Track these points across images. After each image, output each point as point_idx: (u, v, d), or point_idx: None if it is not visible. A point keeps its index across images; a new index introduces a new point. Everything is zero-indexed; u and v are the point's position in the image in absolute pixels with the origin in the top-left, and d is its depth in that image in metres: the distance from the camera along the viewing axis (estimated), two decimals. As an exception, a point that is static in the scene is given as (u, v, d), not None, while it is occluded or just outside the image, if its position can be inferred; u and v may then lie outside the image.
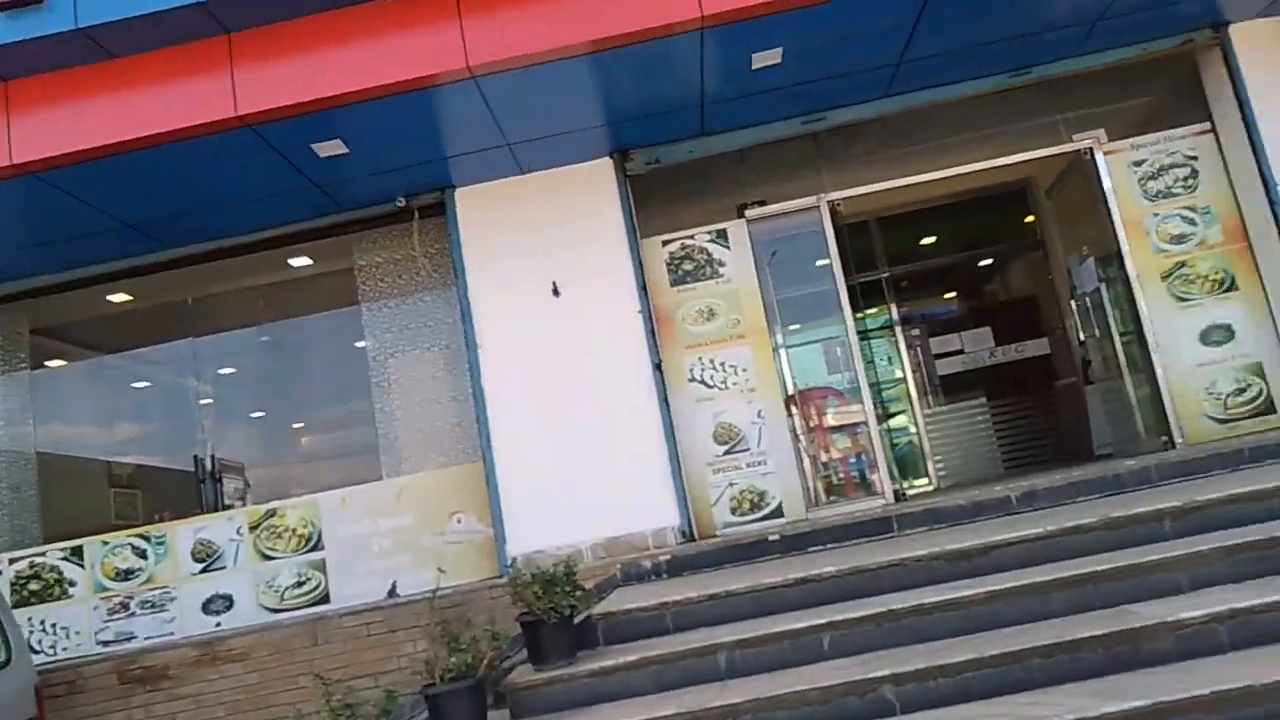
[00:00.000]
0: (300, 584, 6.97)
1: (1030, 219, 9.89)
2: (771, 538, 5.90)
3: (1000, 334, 10.37)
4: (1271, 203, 6.62)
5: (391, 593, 6.79)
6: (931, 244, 10.78)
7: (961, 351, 10.27)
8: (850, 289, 7.26)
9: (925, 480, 9.91)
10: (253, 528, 7.05)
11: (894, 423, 10.98)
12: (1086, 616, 3.80)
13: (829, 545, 5.81)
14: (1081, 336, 7.73)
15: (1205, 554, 3.88)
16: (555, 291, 6.90)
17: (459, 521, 7.00)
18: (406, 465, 7.11)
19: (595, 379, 6.78)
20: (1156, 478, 5.74)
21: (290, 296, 8.21)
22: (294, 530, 7.07)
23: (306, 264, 7.77)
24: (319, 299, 8.11)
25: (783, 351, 7.32)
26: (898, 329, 10.24)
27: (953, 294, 11.53)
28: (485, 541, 6.86)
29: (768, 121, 6.95)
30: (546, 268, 6.94)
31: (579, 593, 4.32)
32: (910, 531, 5.75)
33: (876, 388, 7.14)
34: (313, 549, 7.00)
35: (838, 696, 3.50)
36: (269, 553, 7.04)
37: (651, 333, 6.82)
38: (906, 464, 11.52)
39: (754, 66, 6.01)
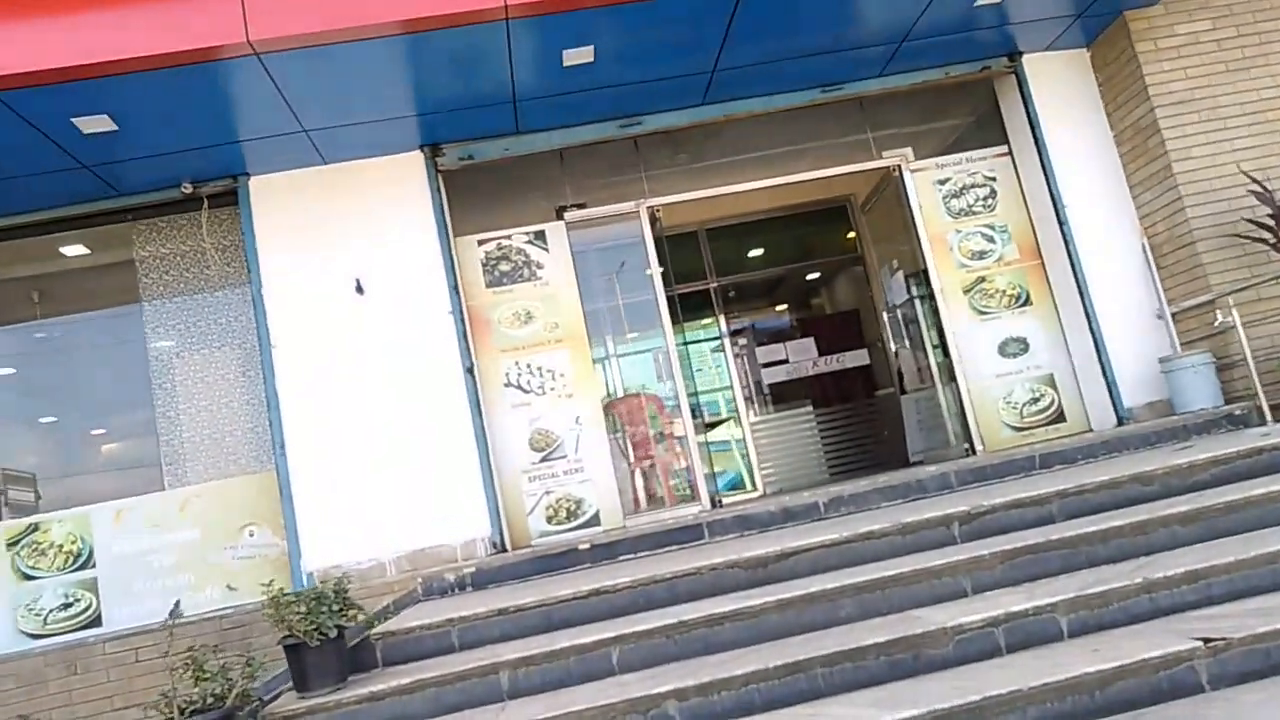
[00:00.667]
0: (67, 606, 6.24)
1: (851, 235, 10.20)
2: (582, 547, 5.69)
3: (824, 345, 10.62)
4: (1060, 222, 7.00)
5: (174, 613, 6.12)
6: (759, 256, 10.94)
7: (786, 361, 10.45)
8: (673, 299, 7.18)
9: (752, 488, 10.06)
10: (10, 544, 6.26)
11: (721, 432, 11.10)
12: (874, 623, 3.77)
13: (640, 553, 5.66)
14: (893, 348, 7.96)
15: (986, 559, 3.94)
16: (359, 289, 6.49)
17: (251, 534, 6.45)
18: (194, 474, 6.49)
19: (402, 382, 6.40)
20: (956, 483, 5.90)
21: (67, 289, 7.40)
22: (60, 546, 6.34)
23: (83, 253, 7.01)
24: (100, 292, 7.34)
25: (604, 358, 7.16)
26: (725, 339, 10.34)
27: (779, 306, 11.77)
28: (281, 556, 6.35)
29: (584, 123, 6.79)
30: (350, 264, 6.52)
31: (350, 611, 3.96)
32: (721, 538, 5.69)
33: (696, 397, 7.06)
34: (82, 567, 6.29)
35: (619, 715, 3.31)
36: (30, 572, 6.27)
37: (464, 335, 6.51)
38: (734, 472, 11.67)
39: (566, 63, 5.83)
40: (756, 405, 10.51)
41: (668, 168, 7.70)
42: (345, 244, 6.54)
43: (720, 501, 6.84)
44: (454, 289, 6.55)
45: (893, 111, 7.68)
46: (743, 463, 10.84)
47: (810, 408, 10.42)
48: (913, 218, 7.30)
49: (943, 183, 7.39)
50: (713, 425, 10.30)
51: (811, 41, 6.27)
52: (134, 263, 6.63)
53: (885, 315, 7.99)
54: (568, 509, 6.68)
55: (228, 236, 6.61)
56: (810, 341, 10.53)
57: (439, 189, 6.67)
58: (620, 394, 7.12)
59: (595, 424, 6.81)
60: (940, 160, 7.42)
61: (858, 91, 7.10)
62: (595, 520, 6.68)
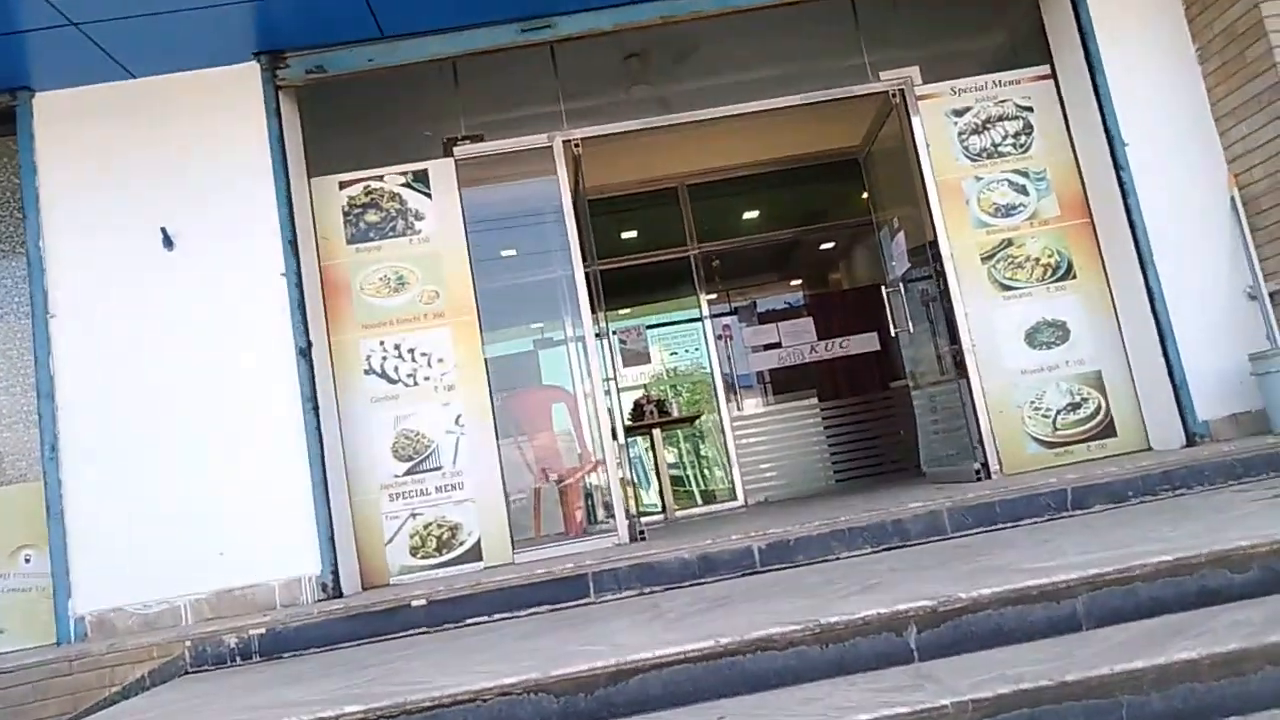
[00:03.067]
0: None
1: (865, 196, 8.38)
2: (415, 604, 4.09)
3: (828, 327, 8.84)
4: (1116, 166, 5.15)
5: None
6: (750, 220, 9.19)
7: (779, 345, 8.69)
8: (595, 274, 5.53)
9: (730, 498, 8.37)
10: None
11: (694, 426, 9.41)
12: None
13: (496, 615, 4.06)
14: (894, 330, 6.17)
15: (949, 713, 2.23)
16: (166, 242, 4.92)
17: (28, 560, 4.96)
18: (-42, 480, 5.03)
19: (215, 366, 4.84)
20: (949, 527, 4.17)
21: None
22: None
23: None
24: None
25: (498, 341, 5.52)
26: (706, 320, 8.63)
27: (775, 281, 10.00)
28: (63, 591, 4.85)
29: (473, 25, 5.10)
30: (159, 211, 4.95)
31: None
32: (611, 596, 4.06)
33: (613, 389, 5.37)
34: None
35: None
36: None
37: (299, 304, 4.90)
38: (709, 476, 9.99)
39: (412, -77, 4.15)
40: (743, 397, 8.80)
41: (595, 95, 5.99)
42: (153, 184, 4.97)
43: (642, 533, 5.15)
44: (290, 243, 4.94)
45: (897, 27, 5.86)
46: (721, 466, 9.19)
47: (815, 400, 8.70)
48: (916, 159, 5.48)
49: (959, 114, 5.56)
50: (686, 420, 8.63)
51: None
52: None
53: (885, 291, 6.19)
54: (439, 538, 5.07)
55: (2, 174, 5.08)
56: (808, 322, 8.75)
57: (276, 111, 5.04)
58: (515, 386, 5.46)
59: (482, 425, 5.17)
60: (956, 84, 5.58)
61: (844, -12, 5.31)
62: (475, 553, 5.06)
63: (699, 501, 9.79)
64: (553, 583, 4.11)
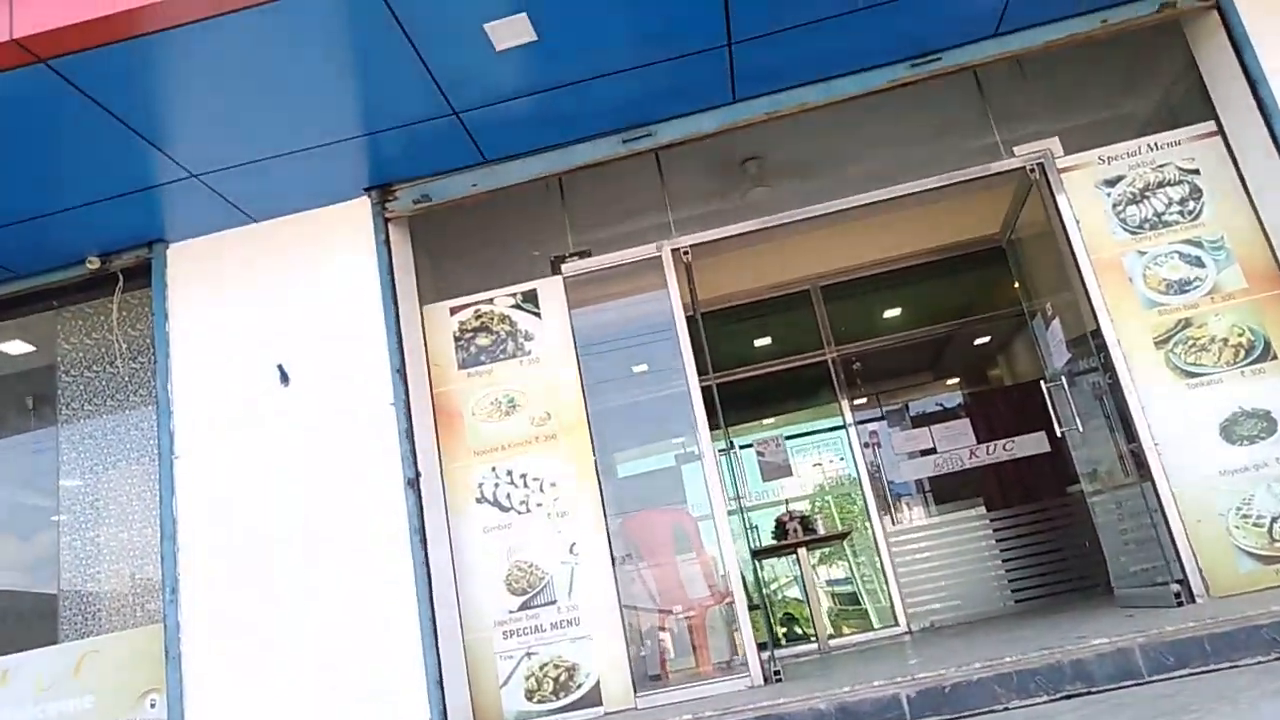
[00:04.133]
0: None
1: (1017, 285, 7.73)
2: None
3: (989, 429, 8.08)
4: (1314, 225, 4.40)
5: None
6: (892, 319, 8.65)
7: (934, 451, 7.97)
8: (712, 387, 5.15)
9: (889, 623, 7.57)
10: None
11: (845, 544, 8.71)
12: None
13: (607, 776, 3.59)
14: (1059, 429, 5.44)
15: None
16: (283, 378, 4.96)
17: (153, 705, 4.92)
18: (92, 624, 5.10)
19: (327, 500, 4.76)
20: (1145, 669, 3.42)
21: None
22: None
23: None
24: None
25: (621, 462, 5.21)
26: (850, 427, 8.06)
27: (926, 381, 9.31)
28: (183, 736, 4.75)
29: (571, 141, 5.01)
30: (276, 348, 5.02)
31: None
32: (731, 758, 3.52)
33: (740, 509, 4.92)
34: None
35: None
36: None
37: (409, 434, 4.78)
38: (867, 598, 9.17)
39: (499, 46, 4.11)
40: (898, 508, 8.09)
41: (709, 201, 5.78)
42: (272, 321, 5.07)
43: (779, 672, 4.57)
44: (398, 372, 4.87)
45: (1030, 99, 5.38)
46: (876, 588, 8.41)
47: (983, 509, 7.90)
48: (1066, 237, 4.90)
49: (1111, 184, 4.96)
50: (835, 537, 7.99)
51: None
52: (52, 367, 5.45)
53: (1046, 386, 5.49)
54: (555, 679, 4.68)
55: (138, 325, 5.31)
56: (965, 424, 8.01)
57: (386, 242, 5.07)
58: (633, 508, 5.09)
59: (598, 553, 4.82)
60: (1104, 152, 5.00)
61: (964, 62, 4.90)
62: (594, 697, 4.63)
63: (858, 627, 8.99)
64: (669, 737, 3.63)
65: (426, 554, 4.60)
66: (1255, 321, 4.65)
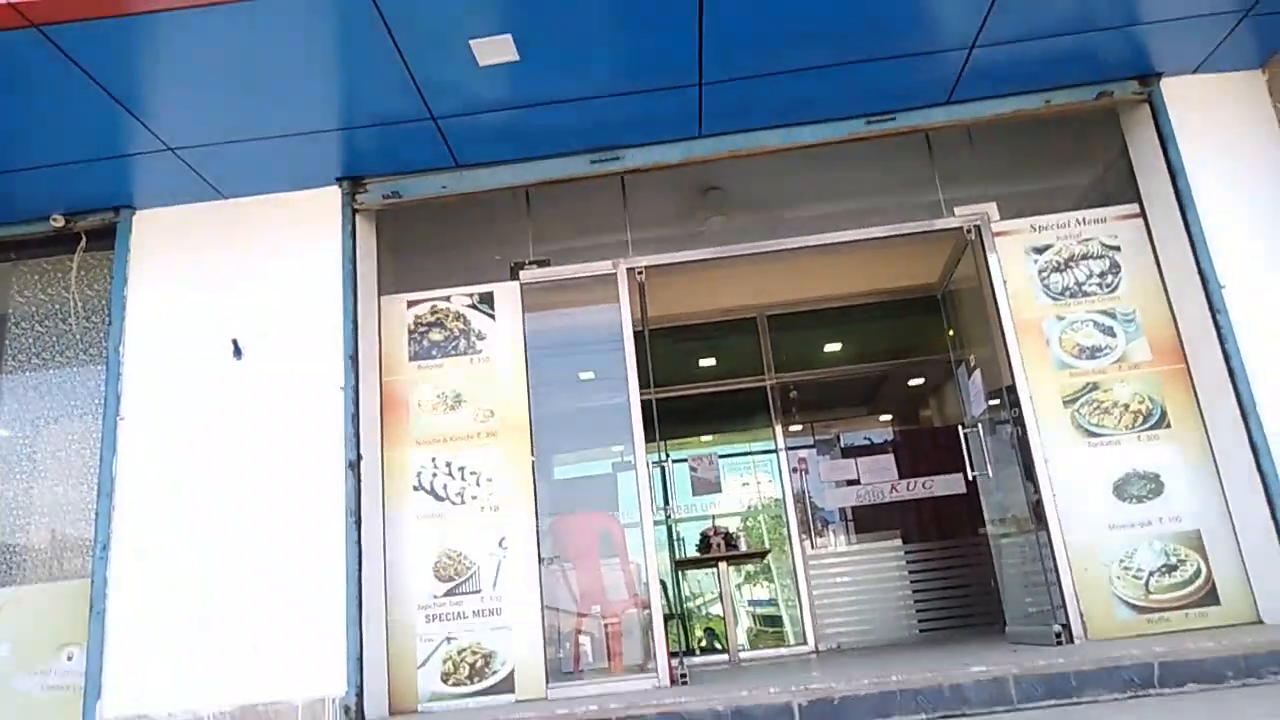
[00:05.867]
0: None
1: (952, 332, 8.13)
2: (429, 739, 3.88)
3: (912, 466, 8.46)
4: (1213, 310, 4.80)
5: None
6: (832, 353, 9.01)
7: (857, 482, 8.31)
8: (651, 402, 5.40)
9: (798, 642, 7.89)
10: None
11: (764, 563, 9.01)
12: None
13: (512, 759, 3.80)
14: (970, 474, 5.80)
15: None
16: (236, 352, 5.08)
17: (70, 659, 4.98)
18: (15, 574, 5.15)
19: (269, 475, 4.89)
20: (1016, 697, 3.76)
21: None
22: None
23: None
24: None
25: (549, 461, 5.42)
26: (782, 451, 8.38)
27: (857, 415, 9.68)
28: (98, 692, 4.83)
29: (542, 156, 5.23)
30: (233, 323, 5.14)
31: None
32: (632, 750, 3.76)
33: (666, 520, 5.17)
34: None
35: None
36: None
37: (354, 418, 4.94)
38: (781, 617, 9.48)
39: (482, 61, 4.32)
40: (819, 534, 8.40)
41: (668, 225, 6.04)
42: (231, 296, 5.18)
43: (684, 676, 4.83)
44: (350, 358, 5.02)
45: (974, 163, 5.75)
46: (794, 608, 8.72)
47: (899, 542, 8.24)
48: (994, 295, 5.26)
49: (1040, 251, 5.34)
50: (755, 555, 8.28)
51: (831, 45, 4.52)
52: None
53: (963, 431, 5.85)
54: (472, 665, 4.87)
55: (95, 285, 5.39)
56: (889, 459, 8.37)
57: (352, 233, 5.24)
58: (563, 509, 5.31)
59: (525, 549, 5.03)
60: (1037, 220, 5.38)
61: (916, 124, 5.24)
62: (508, 684, 4.83)
63: (773, 643, 9.30)
64: (578, 726, 3.86)
65: (360, 535, 4.76)
66: (1155, 391, 5.04)
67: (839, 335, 8.85)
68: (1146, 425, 5.00)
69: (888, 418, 9.90)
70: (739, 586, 9.95)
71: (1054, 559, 4.85)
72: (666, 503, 5.19)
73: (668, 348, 8.41)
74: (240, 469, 4.91)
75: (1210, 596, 4.73)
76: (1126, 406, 5.03)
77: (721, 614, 8.39)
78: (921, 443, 9.05)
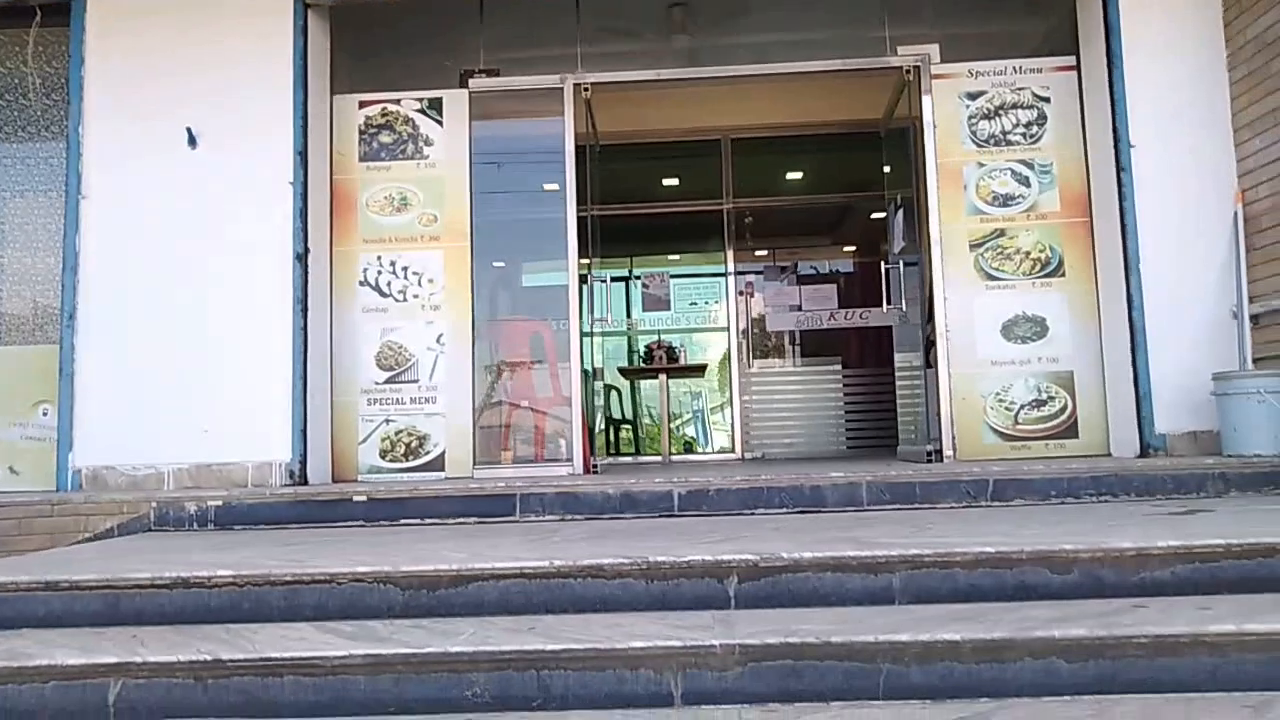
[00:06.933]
0: None
1: (889, 169, 8.30)
2: (357, 499, 4.45)
3: (852, 297, 8.88)
4: (1119, 167, 5.05)
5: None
6: (791, 181, 9.19)
7: (799, 309, 8.74)
8: (588, 218, 5.68)
9: (729, 449, 8.58)
10: None
11: (702, 380, 9.59)
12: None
13: (429, 520, 4.38)
14: (886, 307, 6.21)
15: (717, 653, 2.43)
16: (191, 140, 5.30)
17: (45, 414, 5.50)
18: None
19: (222, 259, 5.24)
20: (865, 499, 4.31)
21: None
22: None
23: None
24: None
25: (491, 266, 5.76)
26: (731, 275, 8.72)
27: (808, 245, 9.97)
28: (72, 444, 5.39)
29: (496, -41, 5.27)
30: (188, 110, 5.32)
31: None
32: (530, 518, 4.34)
33: (603, 336, 5.60)
34: None
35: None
36: None
37: (303, 213, 5.23)
38: (710, 426, 10.17)
39: None
40: (757, 355, 8.91)
41: (629, 41, 6.11)
42: (186, 85, 5.33)
43: (596, 467, 5.42)
44: (300, 154, 5.26)
45: (926, 3, 5.77)
46: (724, 420, 9.37)
47: (839, 367, 8.77)
48: (920, 138, 5.47)
49: (974, 97, 5.50)
50: (694, 369, 8.81)
51: None
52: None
53: (885, 267, 6.21)
54: (407, 445, 5.44)
55: (53, 63, 5.51)
56: (832, 289, 8.78)
57: (304, 29, 5.33)
58: (498, 314, 5.72)
59: (461, 346, 5.48)
60: (975, 66, 5.51)
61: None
62: (439, 464, 5.41)
63: (705, 449, 10.03)
64: (483, 498, 4.42)
65: (306, 322, 5.18)
66: (1056, 241, 5.37)
67: (796, 164, 9.00)
68: (1043, 273, 5.36)
69: (836, 249, 10.20)
70: (686, 395, 10.56)
71: (938, 389, 5.33)
72: (604, 314, 5.57)
73: (631, 165, 8.61)
74: (197, 252, 5.24)
75: (1071, 430, 5.27)
76: (1027, 254, 5.38)
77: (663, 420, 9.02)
78: (865, 276, 9.41)
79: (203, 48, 5.35)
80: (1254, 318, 4.77)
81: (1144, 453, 4.89)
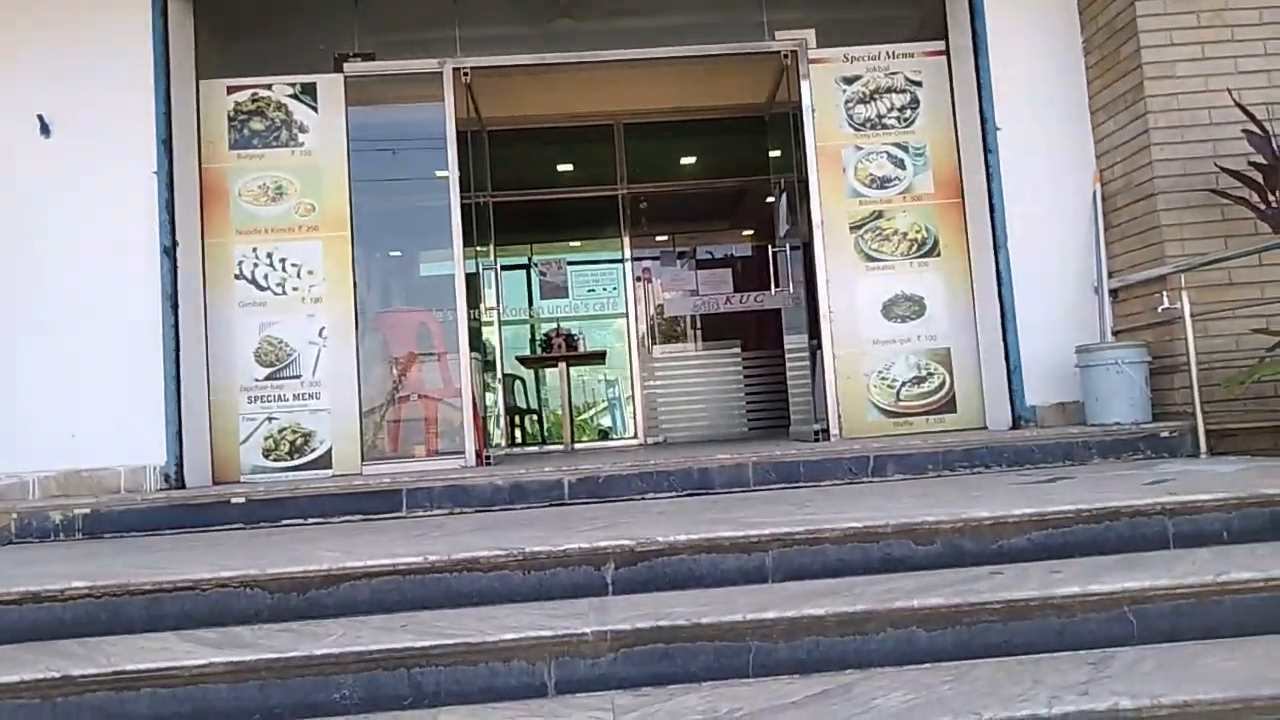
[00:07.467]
0: None
1: (774, 154, 8.43)
2: (235, 501, 4.30)
3: (749, 280, 8.99)
4: (986, 149, 5.24)
5: None
6: (685, 166, 9.24)
7: (695, 293, 8.82)
8: (473, 205, 5.60)
9: (629, 434, 8.62)
10: None
11: (603, 367, 9.60)
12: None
13: (311, 519, 4.27)
14: (774, 290, 6.32)
15: (588, 640, 2.44)
16: (44, 129, 5.00)
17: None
18: None
19: (82, 256, 4.97)
20: (752, 480, 4.38)
21: None
22: None
23: None
24: None
25: (374, 256, 5.63)
26: (628, 261, 8.73)
27: (703, 230, 10.07)
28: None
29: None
30: (41, 97, 5.02)
31: None
32: (418, 514, 4.28)
33: (498, 325, 5.54)
34: None
35: None
36: None
37: (169, 205, 5.01)
38: (625, 414, 10.21)
39: None
40: (656, 340, 8.95)
41: (508, 24, 6.02)
42: (38, 71, 5.04)
43: (489, 458, 5.37)
44: (164, 143, 5.02)
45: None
46: (624, 404, 9.41)
47: (739, 349, 8.86)
48: (800, 123, 5.56)
49: (850, 81, 5.62)
50: (592, 356, 8.81)
51: None
52: None
53: (773, 250, 6.31)
54: (292, 443, 5.28)
55: (-113, 43, 5.12)
56: (727, 273, 8.89)
57: (164, 10, 5.08)
58: (383, 306, 5.60)
59: (345, 340, 5.35)
60: (851, 51, 5.63)
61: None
62: (325, 461, 5.28)
63: (607, 437, 10.05)
64: (368, 495, 4.33)
65: (177, 319, 4.96)
66: (930, 222, 5.55)
67: (689, 149, 9.06)
68: (919, 253, 5.53)
69: (733, 233, 10.32)
70: (586, 381, 10.55)
71: (823, 370, 5.46)
72: (498, 303, 5.51)
73: (521, 151, 8.51)
74: (57, 249, 4.97)
75: (949, 405, 5.46)
76: (904, 235, 5.54)
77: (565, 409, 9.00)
78: (760, 260, 9.54)
79: (55, 34, 5.05)
80: (1113, 292, 5.03)
81: (1016, 425, 5.11)
